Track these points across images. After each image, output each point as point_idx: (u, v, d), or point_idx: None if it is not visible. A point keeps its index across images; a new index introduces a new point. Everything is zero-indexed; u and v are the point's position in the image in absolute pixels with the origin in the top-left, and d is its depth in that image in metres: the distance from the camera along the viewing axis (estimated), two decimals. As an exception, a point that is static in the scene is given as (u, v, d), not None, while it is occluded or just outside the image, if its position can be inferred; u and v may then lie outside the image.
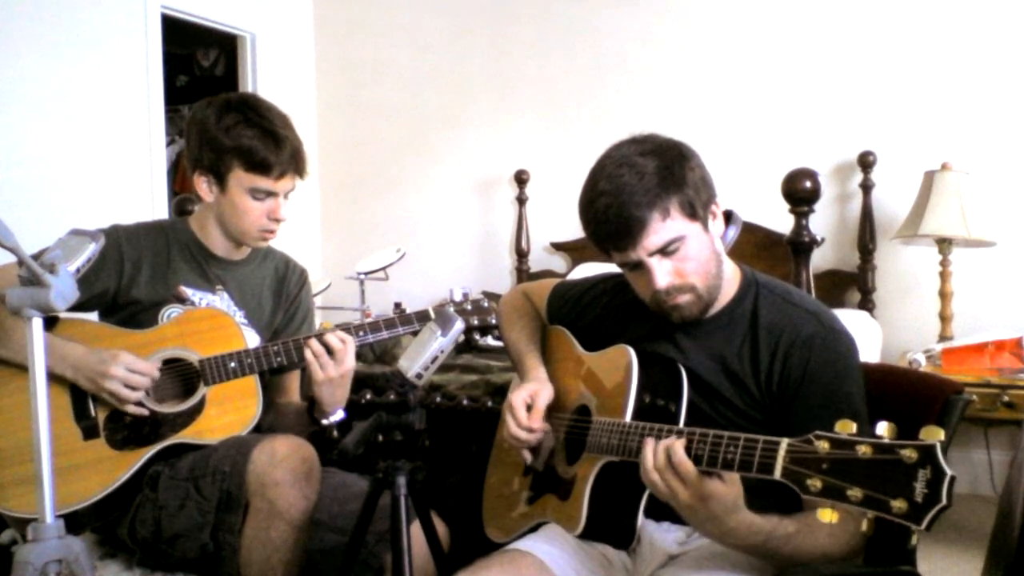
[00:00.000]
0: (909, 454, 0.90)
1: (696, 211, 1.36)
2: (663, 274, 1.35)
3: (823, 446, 0.98)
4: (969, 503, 3.23)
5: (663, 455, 1.16)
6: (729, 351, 1.41)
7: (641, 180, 1.33)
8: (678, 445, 1.15)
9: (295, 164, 1.77)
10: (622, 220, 1.33)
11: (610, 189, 1.34)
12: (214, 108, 1.76)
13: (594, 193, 1.37)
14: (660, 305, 1.40)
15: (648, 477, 1.17)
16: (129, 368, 1.62)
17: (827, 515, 0.96)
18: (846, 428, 0.98)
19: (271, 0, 4.51)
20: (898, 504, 0.90)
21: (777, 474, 1.03)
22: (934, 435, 0.90)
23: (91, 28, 3.55)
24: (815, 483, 0.98)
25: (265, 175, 1.74)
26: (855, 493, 0.94)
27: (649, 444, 1.18)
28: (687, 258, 1.36)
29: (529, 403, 1.53)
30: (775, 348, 1.38)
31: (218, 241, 1.85)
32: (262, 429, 1.78)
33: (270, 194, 1.77)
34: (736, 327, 1.42)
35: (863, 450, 0.94)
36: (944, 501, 0.88)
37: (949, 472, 0.88)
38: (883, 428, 0.95)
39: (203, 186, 1.78)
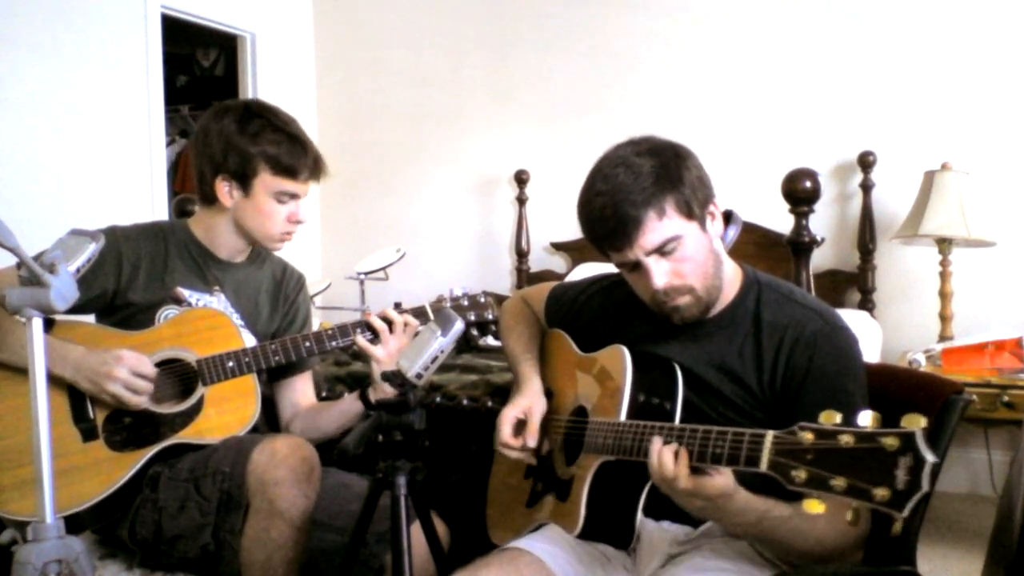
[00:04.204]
0: (890, 442, 0.91)
1: (693, 210, 1.36)
2: (661, 274, 1.35)
3: (807, 437, 0.99)
4: (969, 503, 3.23)
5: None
6: (730, 351, 1.41)
7: (636, 179, 1.33)
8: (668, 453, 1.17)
9: (316, 167, 1.83)
10: (618, 219, 1.33)
11: (606, 189, 1.34)
12: (233, 115, 1.78)
13: (590, 194, 1.37)
14: (660, 307, 1.40)
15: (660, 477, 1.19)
16: (133, 371, 1.63)
17: (815, 506, 0.96)
18: (830, 419, 0.99)
19: (271, 0, 4.51)
20: (880, 492, 0.90)
21: (763, 466, 1.04)
22: (915, 423, 0.91)
23: (91, 28, 3.55)
24: (800, 474, 0.98)
25: (292, 178, 1.79)
26: (838, 483, 0.94)
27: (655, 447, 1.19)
28: (685, 258, 1.36)
29: (521, 418, 1.53)
30: (779, 345, 1.38)
31: (225, 244, 1.86)
32: (259, 430, 1.78)
33: (293, 197, 1.81)
34: (738, 327, 1.42)
35: (845, 439, 0.95)
36: (925, 487, 0.88)
37: (930, 458, 0.88)
38: (867, 418, 0.95)
39: (224, 191, 1.79)
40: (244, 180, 1.78)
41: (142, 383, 1.64)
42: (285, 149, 1.77)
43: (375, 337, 1.80)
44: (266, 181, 1.78)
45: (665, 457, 1.16)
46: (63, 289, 1.27)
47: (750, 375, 1.39)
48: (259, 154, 1.76)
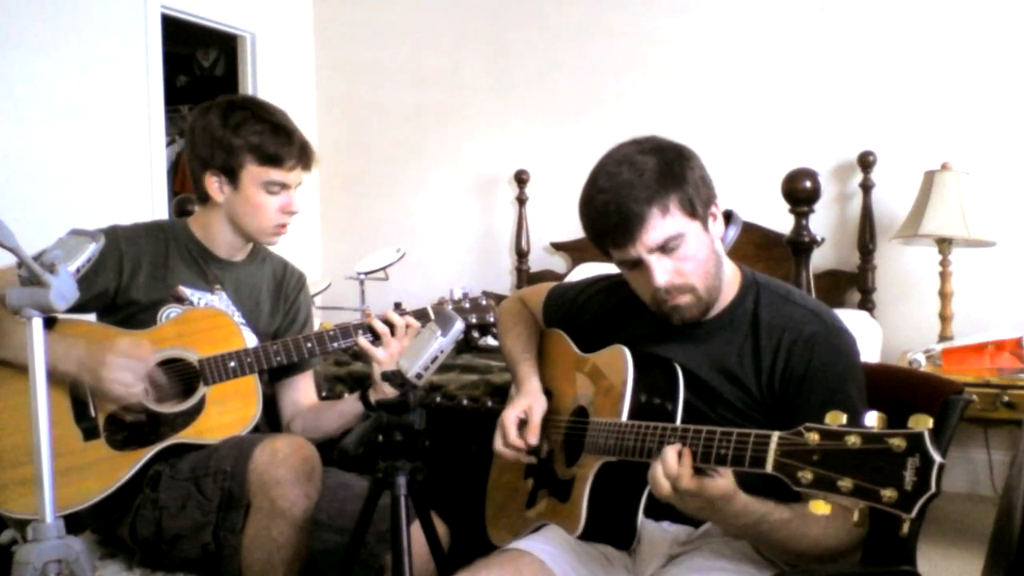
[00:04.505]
0: (898, 443, 0.91)
1: (696, 209, 1.36)
2: (662, 272, 1.35)
3: (813, 438, 0.99)
4: (969, 503, 3.23)
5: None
6: (729, 352, 1.41)
7: (641, 177, 1.33)
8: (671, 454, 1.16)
9: (304, 155, 1.82)
10: (621, 216, 1.33)
11: (609, 186, 1.35)
12: (217, 110, 1.78)
13: (594, 191, 1.37)
14: (660, 306, 1.40)
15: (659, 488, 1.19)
16: (125, 355, 1.62)
17: (820, 507, 0.96)
18: (836, 419, 0.98)
19: (271, 0, 4.51)
20: (888, 493, 0.90)
21: (769, 467, 1.03)
22: (922, 423, 0.91)
23: (91, 28, 3.55)
24: (806, 475, 0.98)
25: (278, 167, 1.78)
26: (845, 483, 0.94)
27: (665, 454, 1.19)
28: (686, 257, 1.36)
29: (523, 418, 1.54)
30: (777, 347, 1.38)
31: (223, 242, 1.86)
32: (259, 430, 1.78)
33: (283, 187, 1.81)
34: (737, 328, 1.42)
35: (852, 440, 0.95)
36: (933, 489, 0.88)
37: (938, 459, 0.88)
38: (873, 419, 0.95)
39: (214, 187, 1.79)
40: (232, 174, 1.78)
41: (136, 364, 1.62)
42: (268, 138, 1.76)
43: (376, 339, 1.80)
44: (253, 172, 1.78)
45: (668, 456, 1.16)
46: (63, 289, 1.27)
47: (749, 376, 1.39)
48: (243, 146, 1.76)
